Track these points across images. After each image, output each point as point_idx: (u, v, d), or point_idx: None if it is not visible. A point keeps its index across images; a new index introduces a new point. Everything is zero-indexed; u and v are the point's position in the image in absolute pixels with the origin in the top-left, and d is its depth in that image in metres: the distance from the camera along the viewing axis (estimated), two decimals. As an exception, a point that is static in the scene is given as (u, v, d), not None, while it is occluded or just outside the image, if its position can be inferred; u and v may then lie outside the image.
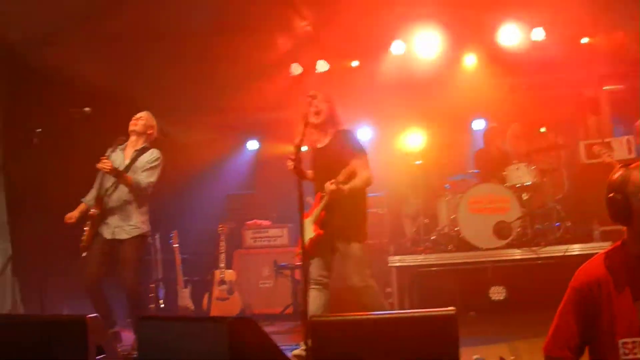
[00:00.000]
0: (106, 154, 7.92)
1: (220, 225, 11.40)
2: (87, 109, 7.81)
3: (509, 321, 9.36)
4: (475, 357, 5.41)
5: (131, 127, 8.34)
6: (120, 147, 8.35)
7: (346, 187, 6.77)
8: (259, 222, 12.52)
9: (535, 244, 9.82)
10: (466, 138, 14.42)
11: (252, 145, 14.99)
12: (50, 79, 10.25)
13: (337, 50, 12.96)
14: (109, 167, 7.69)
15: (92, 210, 8.00)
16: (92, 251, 8.05)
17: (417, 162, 11.94)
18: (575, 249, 9.54)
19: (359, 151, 7.05)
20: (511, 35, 11.91)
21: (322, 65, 12.83)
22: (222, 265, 11.18)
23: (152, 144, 8.46)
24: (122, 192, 8.08)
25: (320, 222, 6.88)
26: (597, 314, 3.63)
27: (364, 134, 13.36)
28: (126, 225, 7.99)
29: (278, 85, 13.29)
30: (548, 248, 9.68)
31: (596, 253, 3.82)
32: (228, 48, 11.23)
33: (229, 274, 11.29)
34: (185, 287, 11.15)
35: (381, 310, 6.81)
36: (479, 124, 13.71)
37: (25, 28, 9.56)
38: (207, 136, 14.65)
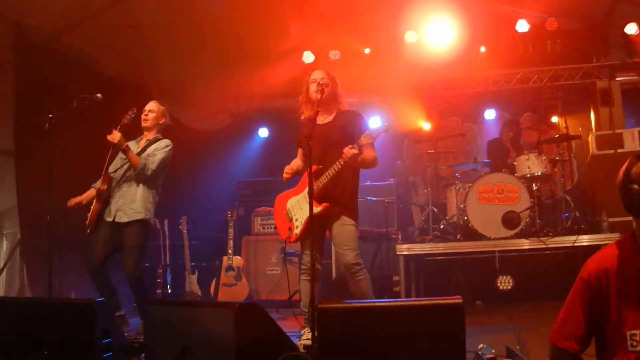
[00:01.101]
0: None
1: (229, 212, 11.41)
2: (98, 95, 7.80)
3: (515, 311, 9.37)
4: (481, 346, 5.43)
5: (143, 124, 8.37)
6: (136, 140, 8.41)
7: (361, 155, 6.66)
8: (268, 209, 12.53)
9: (544, 235, 9.80)
10: (477, 128, 14.42)
11: (263, 132, 14.99)
12: (63, 65, 10.27)
13: (349, 38, 12.95)
14: (118, 139, 7.72)
15: (99, 186, 8.02)
16: (97, 234, 8.09)
17: (428, 151, 11.92)
18: (584, 239, 9.51)
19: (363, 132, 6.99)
20: (523, 24, 11.87)
21: (333, 54, 12.81)
22: (230, 251, 11.20)
23: (164, 130, 8.49)
24: (129, 176, 8.14)
25: (319, 198, 6.63)
26: (605, 306, 3.62)
27: (375, 122, 13.34)
28: (128, 209, 8.00)
29: (289, 73, 13.28)
30: (556, 238, 9.65)
31: (605, 244, 3.82)
32: (240, 36, 11.23)
33: (237, 260, 11.31)
34: (193, 272, 11.17)
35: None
36: (490, 114, 13.68)
37: (40, 15, 9.58)
38: (218, 123, 14.67)
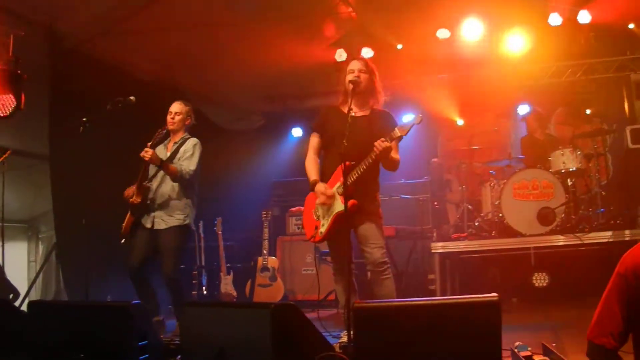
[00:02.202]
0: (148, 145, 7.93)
1: (263, 212, 11.44)
2: (132, 97, 7.86)
3: (551, 308, 9.31)
4: (517, 343, 5.40)
5: (169, 127, 8.36)
6: (164, 143, 8.46)
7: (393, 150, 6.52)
8: (302, 208, 12.54)
9: (580, 230, 9.73)
10: (511, 123, 14.35)
11: (297, 132, 15.02)
12: (96, 69, 10.36)
13: (382, 34, 12.95)
14: (150, 155, 7.74)
15: (133, 199, 8.08)
16: (136, 240, 8.15)
17: (462, 148, 11.88)
18: (620, 235, 9.44)
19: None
20: (556, 17, 11.82)
21: (366, 52, 12.82)
22: (265, 251, 11.24)
23: (192, 129, 8.52)
24: (166, 183, 8.20)
25: (347, 195, 6.32)
26: (641, 300, 3.61)
27: (408, 119, 13.32)
28: (167, 217, 8.08)
29: (322, 72, 13.31)
30: (592, 234, 9.58)
31: (641, 239, 3.79)
32: (273, 36, 11.27)
33: (272, 261, 11.35)
34: (228, 273, 11.21)
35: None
36: (523, 109, 13.61)
37: (73, 20, 9.66)
38: (251, 124, 14.73)
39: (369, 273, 6.87)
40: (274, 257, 11.52)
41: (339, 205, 6.44)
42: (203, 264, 11.13)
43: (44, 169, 10.14)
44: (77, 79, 9.96)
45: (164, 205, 8.13)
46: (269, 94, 14.57)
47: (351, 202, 6.40)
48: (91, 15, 9.59)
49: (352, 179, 6.49)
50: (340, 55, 12.73)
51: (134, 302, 5.48)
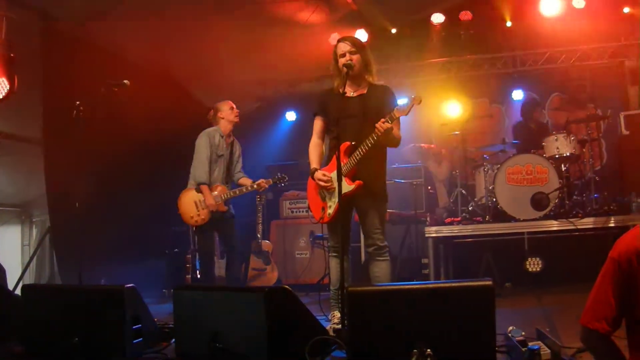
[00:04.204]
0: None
1: (257, 196, 11.43)
2: (126, 81, 7.86)
3: (545, 293, 9.34)
4: (511, 328, 5.41)
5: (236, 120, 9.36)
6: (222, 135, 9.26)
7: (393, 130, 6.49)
8: (296, 192, 12.54)
9: (573, 216, 9.75)
10: (505, 108, 14.37)
11: (290, 116, 15.00)
12: (89, 53, 10.31)
13: (376, 20, 12.96)
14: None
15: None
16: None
17: (455, 133, 11.87)
18: (613, 220, 9.47)
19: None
20: (552, 3, 11.83)
21: (361, 35, 12.80)
22: (259, 235, 11.23)
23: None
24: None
25: (352, 175, 6.57)
26: (635, 286, 3.61)
27: (402, 103, 13.34)
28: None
29: (316, 56, 13.29)
30: (586, 219, 9.60)
31: (634, 225, 3.79)
32: (265, 18, 11.24)
33: (266, 245, 11.34)
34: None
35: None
36: (517, 95, 13.62)
37: (66, 3, 9.62)
38: (245, 108, 14.72)
39: (363, 254, 6.89)
40: (267, 241, 11.52)
41: (344, 186, 6.33)
42: (196, 247, 11.11)
43: (37, 153, 10.11)
44: (70, 62, 9.92)
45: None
46: (262, 78, 14.54)
47: (357, 182, 6.54)
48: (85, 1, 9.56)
49: (356, 159, 6.54)
50: (334, 39, 12.70)
51: (127, 285, 5.48)
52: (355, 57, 6.74)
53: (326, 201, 6.81)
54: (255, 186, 9.14)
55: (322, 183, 6.70)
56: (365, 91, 6.89)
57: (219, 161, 9.14)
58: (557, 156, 10.12)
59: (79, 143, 7.57)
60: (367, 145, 6.48)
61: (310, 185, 7.06)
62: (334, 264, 6.87)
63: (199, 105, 11.42)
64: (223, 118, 9.21)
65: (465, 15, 12.84)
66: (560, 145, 10.14)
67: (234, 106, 9.30)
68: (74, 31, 10.16)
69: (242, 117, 9.35)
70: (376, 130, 6.35)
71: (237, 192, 9.12)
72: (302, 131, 14.33)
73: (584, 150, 10.72)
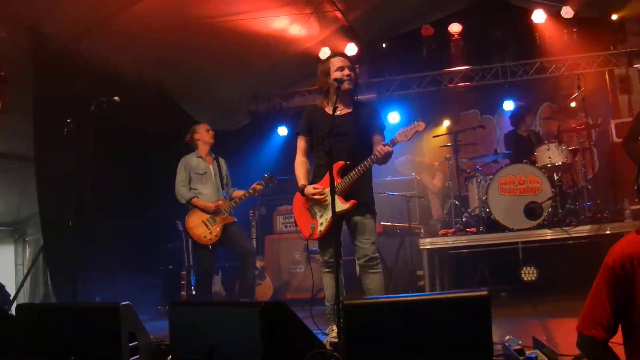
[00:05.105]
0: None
1: (251, 211, 11.44)
2: (116, 98, 7.87)
3: (540, 301, 9.35)
4: (508, 337, 5.42)
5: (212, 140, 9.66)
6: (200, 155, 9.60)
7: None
8: (290, 207, 12.53)
9: (567, 224, 9.77)
10: (497, 119, 14.42)
11: (282, 131, 15.00)
12: (81, 70, 10.31)
13: (366, 34, 13.01)
14: None
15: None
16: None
17: (448, 144, 11.90)
18: (607, 228, 9.48)
19: (383, 128, 6.93)
20: (539, 15, 11.92)
21: (351, 49, 12.85)
22: (253, 250, 11.24)
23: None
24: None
25: (346, 194, 6.60)
26: (630, 292, 3.63)
27: (393, 117, 13.38)
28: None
29: (307, 71, 13.34)
30: (579, 227, 9.61)
31: (628, 232, 3.81)
32: (257, 34, 11.26)
33: (260, 260, 11.34)
34: (217, 273, 11.20)
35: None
36: (508, 105, 13.67)
37: (57, 21, 9.61)
38: (237, 123, 14.72)
39: (357, 267, 6.90)
40: (262, 256, 11.52)
41: (339, 205, 6.44)
42: (191, 263, 11.10)
43: (30, 172, 10.10)
44: (61, 80, 9.92)
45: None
46: (254, 92, 14.57)
47: (352, 201, 6.58)
48: (75, 15, 9.55)
49: (352, 179, 6.59)
50: (325, 53, 12.75)
51: (123, 303, 5.47)
52: (352, 73, 6.81)
53: (316, 218, 6.80)
54: (250, 191, 9.28)
55: (316, 197, 6.70)
56: (351, 109, 6.92)
57: (202, 179, 9.43)
58: (549, 165, 10.13)
59: (71, 160, 7.57)
60: (365, 167, 6.55)
61: (297, 202, 7.07)
62: (328, 279, 6.87)
63: (191, 121, 11.42)
64: (199, 140, 9.57)
65: (455, 27, 12.89)
66: (552, 154, 10.17)
67: (210, 128, 9.67)
68: (65, 48, 10.15)
69: (235, 132, 9.48)
70: (376, 153, 6.44)
71: (238, 201, 9.30)
72: (294, 146, 14.36)
73: (575, 158, 10.76)
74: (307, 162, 7.08)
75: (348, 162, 6.60)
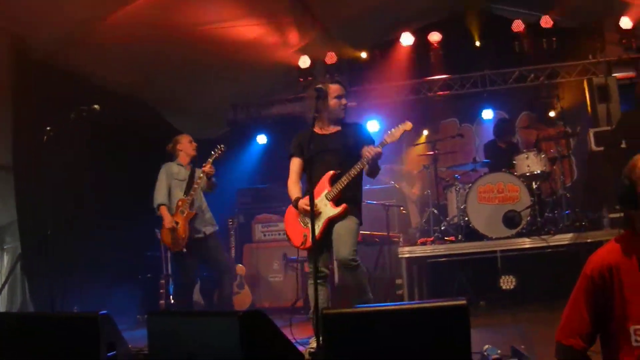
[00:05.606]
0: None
1: (229, 220, 11.41)
2: (96, 106, 7.86)
3: (519, 310, 9.35)
4: (486, 347, 5.42)
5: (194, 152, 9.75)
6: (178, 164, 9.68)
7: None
8: (269, 216, 12.54)
9: (545, 233, 9.80)
10: (475, 128, 14.45)
11: (261, 139, 14.98)
12: (62, 80, 10.27)
13: (346, 43, 13.02)
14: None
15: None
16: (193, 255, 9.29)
17: (427, 153, 11.92)
18: (585, 236, 9.50)
19: (372, 142, 7.01)
20: (519, 24, 11.97)
21: (330, 58, 12.85)
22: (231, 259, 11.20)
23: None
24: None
25: (337, 200, 6.75)
26: (608, 301, 3.62)
27: (372, 126, 13.38)
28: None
29: (286, 79, 13.34)
30: (558, 236, 9.65)
31: (606, 240, 3.82)
32: (236, 43, 11.25)
33: (239, 268, 11.32)
34: (195, 282, 11.16)
35: (364, 293, 6.83)
36: (487, 114, 13.70)
37: (39, 30, 9.57)
38: (216, 131, 14.69)
39: (337, 270, 6.98)
40: (240, 265, 11.49)
41: (329, 210, 6.72)
42: (170, 272, 11.05)
43: (8, 179, 10.04)
44: (41, 89, 9.88)
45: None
46: (233, 101, 14.54)
47: (343, 206, 6.74)
48: (58, 26, 9.51)
49: (343, 184, 6.74)
50: (304, 62, 12.75)
51: (101, 312, 5.43)
52: (347, 102, 7.15)
53: (308, 227, 6.80)
54: (201, 174, 9.27)
55: (307, 208, 6.66)
56: (340, 128, 7.12)
57: (182, 185, 9.46)
58: (528, 174, 10.17)
59: (51, 169, 7.55)
60: (355, 171, 6.71)
61: (290, 214, 7.16)
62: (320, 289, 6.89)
63: (171, 130, 11.39)
64: (182, 150, 9.65)
65: (435, 36, 12.90)
66: (530, 163, 10.20)
67: (192, 140, 9.76)
68: (47, 58, 10.11)
69: (213, 141, 9.47)
70: (365, 154, 6.61)
71: (193, 193, 9.27)
72: (273, 154, 14.37)
73: (554, 167, 10.80)
74: (300, 182, 7.21)
75: (339, 171, 6.77)
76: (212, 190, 9.59)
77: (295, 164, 7.22)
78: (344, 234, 6.78)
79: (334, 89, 7.03)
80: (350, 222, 6.83)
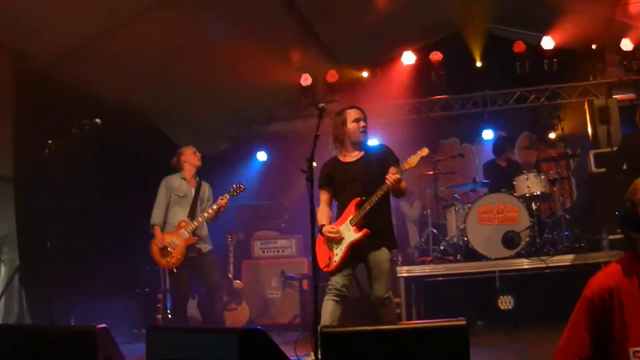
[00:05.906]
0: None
1: (228, 236, 11.40)
2: (97, 120, 7.86)
3: (517, 331, 9.33)
4: (484, 367, 5.41)
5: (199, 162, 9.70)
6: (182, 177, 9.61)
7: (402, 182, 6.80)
8: (267, 232, 12.54)
9: (544, 253, 9.79)
10: (476, 148, 14.46)
11: (261, 156, 14.99)
12: (63, 92, 10.26)
13: (347, 61, 13.03)
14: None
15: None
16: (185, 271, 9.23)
17: (427, 173, 11.92)
18: (585, 258, 9.49)
19: (398, 161, 7.03)
20: (520, 45, 11.98)
21: (331, 76, 12.85)
22: (230, 275, 11.18)
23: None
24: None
25: (360, 226, 6.78)
26: (609, 323, 3.62)
27: (373, 143, 13.38)
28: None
29: (287, 97, 13.34)
30: (557, 257, 9.64)
31: (605, 262, 3.82)
32: (238, 60, 11.25)
33: (237, 283, 11.30)
34: (193, 297, 11.12)
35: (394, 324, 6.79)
36: (488, 134, 13.71)
37: (40, 43, 9.58)
38: (216, 148, 14.69)
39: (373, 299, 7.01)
40: (239, 281, 11.47)
41: (351, 235, 6.79)
42: (168, 287, 11.03)
43: (7, 191, 10.04)
44: (43, 101, 9.88)
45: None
46: (234, 118, 14.55)
47: (364, 230, 6.75)
48: (58, 38, 9.52)
49: (365, 210, 6.77)
50: (306, 79, 12.75)
51: (99, 326, 5.42)
52: (366, 125, 7.26)
53: (333, 250, 6.94)
54: (215, 207, 9.28)
55: (331, 235, 6.87)
56: (363, 153, 7.19)
57: (181, 202, 9.42)
58: (527, 195, 10.17)
59: (51, 181, 7.55)
60: (378, 196, 6.73)
61: (319, 240, 7.14)
62: (330, 305, 6.90)
63: (172, 145, 11.38)
64: (186, 162, 9.59)
65: (436, 56, 12.91)
66: (530, 184, 10.20)
67: (196, 150, 9.70)
68: (48, 70, 10.11)
69: (214, 157, 9.46)
70: (386, 181, 6.60)
71: (201, 220, 9.27)
72: (273, 171, 14.38)
73: (554, 188, 10.80)
74: (329, 211, 7.25)
75: (364, 198, 6.80)
76: (213, 221, 9.58)
77: (324, 195, 7.30)
78: (379, 274, 6.83)
79: (351, 113, 7.18)
80: (383, 260, 6.86)
